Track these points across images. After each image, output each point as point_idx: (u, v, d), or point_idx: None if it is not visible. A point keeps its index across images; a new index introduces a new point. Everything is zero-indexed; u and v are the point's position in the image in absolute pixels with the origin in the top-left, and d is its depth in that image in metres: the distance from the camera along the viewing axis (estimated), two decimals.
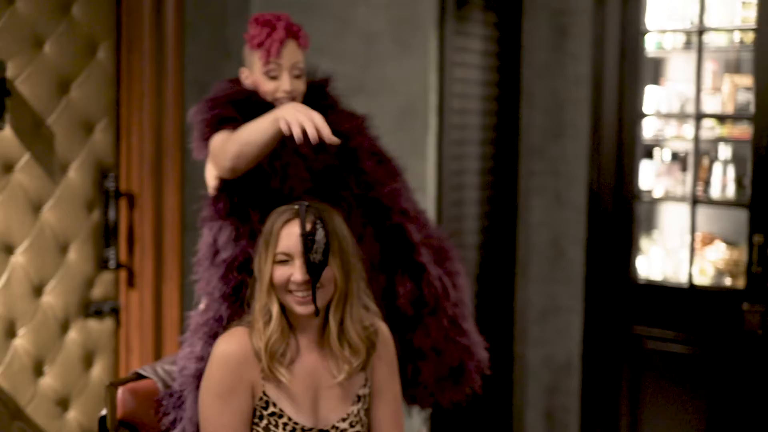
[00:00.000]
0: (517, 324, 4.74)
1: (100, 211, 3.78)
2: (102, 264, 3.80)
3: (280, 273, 2.30)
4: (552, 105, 4.56)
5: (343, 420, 2.38)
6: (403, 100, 3.97)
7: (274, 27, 2.70)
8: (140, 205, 3.83)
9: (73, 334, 3.73)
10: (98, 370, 3.82)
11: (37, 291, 3.62)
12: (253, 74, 2.75)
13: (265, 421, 2.32)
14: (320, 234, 2.28)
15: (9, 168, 3.50)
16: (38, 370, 3.63)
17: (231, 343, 2.33)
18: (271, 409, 2.32)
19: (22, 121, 3.49)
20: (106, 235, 3.78)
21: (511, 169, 4.59)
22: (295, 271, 2.29)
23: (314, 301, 2.30)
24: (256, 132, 2.46)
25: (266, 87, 2.72)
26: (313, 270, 2.28)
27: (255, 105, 2.69)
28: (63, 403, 3.69)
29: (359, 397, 2.41)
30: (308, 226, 2.29)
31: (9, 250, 3.53)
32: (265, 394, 2.32)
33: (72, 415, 3.72)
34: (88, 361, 3.79)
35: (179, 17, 3.80)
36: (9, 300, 3.51)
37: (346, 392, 2.39)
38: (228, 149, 2.53)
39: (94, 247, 3.77)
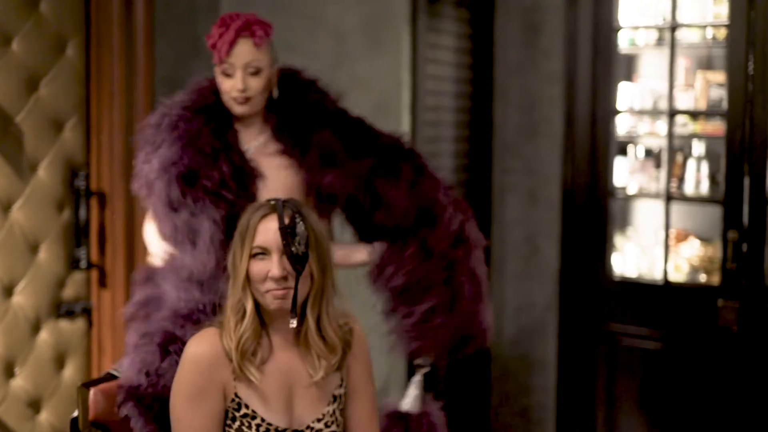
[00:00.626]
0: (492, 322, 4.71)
1: (70, 210, 3.74)
2: (73, 264, 3.76)
3: (258, 268, 2.28)
4: (525, 102, 4.57)
5: (318, 420, 2.37)
6: (375, 97, 3.96)
7: (227, 26, 2.76)
8: (111, 204, 3.79)
9: (44, 335, 3.69)
10: (70, 371, 3.79)
11: (8, 291, 3.58)
12: (216, 75, 2.83)
13: (237, 423, 2.31)
14: (301, 227, 2.27)
15: None
16: (9, 372, 3.59)
17: (202, 345, 2.31)
18: (244, 410, 2.30)
19: None
20: (77, 234, 3.74)
21: (485, 166, 4.59)
22: (273, 266, 2.26)
23: (296, 295, 2.28)
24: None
25: (223, 86, 2.80)
26: (297, 262, 2.26)
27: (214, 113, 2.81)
28: (35, 405, 3.66)
29: (335, 397, 2.40)
30: (287, 220, 2.28)
31: None
32: (236, 395, 2.30)
33: (44, 416, 3.69)
34: (60, 361, 3.76)
35: (149, 14, 3.78)
36: None
37: (321, 392, 2.37)
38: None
39: (65, 246, 3.73)
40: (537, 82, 4.54)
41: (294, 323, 2.29)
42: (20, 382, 3.61)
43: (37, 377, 3.67)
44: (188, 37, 3.94)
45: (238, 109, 2.82)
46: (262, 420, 2.30)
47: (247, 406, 2.30)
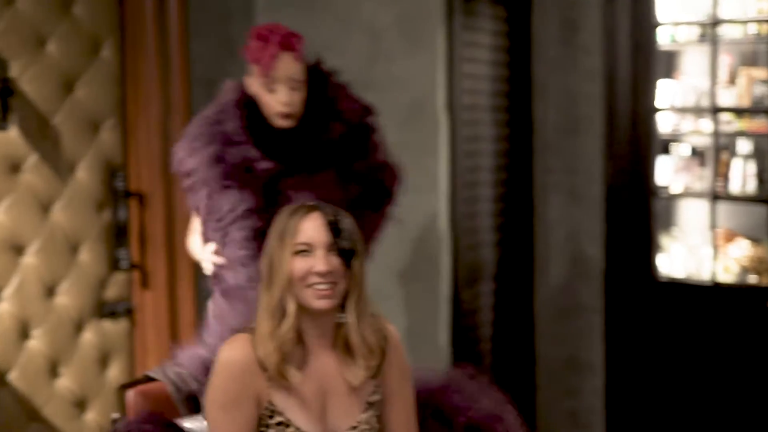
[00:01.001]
0: (537, 324, 4.68)
1: (110, 210, 3.78)
2: (114, 264, 3.80)
3: (300, 265, 2.24)
4: (565, 100, 4.53)
5: (353, 428, 2.32)
6: (411, 96, 3.96)
7: (268, 41, 2.80)
8: (151, 204, 3.82)
9: (87, 335, 3.73)
10: (115, 371, 3.83)
11: (50, 292, 3.62)
12: (254, 86, 2.87)
13: (271, 430, 2.27)
14: (346, 222, 2.27)
15: (16, 168, 3.52)
16: (54, 372, 3.63)
17: (234, 352, 2.27)
18: (277, 418, 2.26)
19: (28, 120, 3.51)
20: (118, 235, 3.78)
21: (525, 165, 4.56)
22: (317, 262, 2.23)
23: (335, 287, 2.26)
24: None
25: (265, 99, 2.84)
26: (346, 256, 2.25)
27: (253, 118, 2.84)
28: (80, 405, 3.70)
29: (370, 405, 2.34)
30: (330, 217, 2.27)
31: (19, 251, 3.54)
32: (270, 402, 2.26)
33: (90, 416, 3.72)
34: (103, 362, 3.79)
35: (183, 15, 3.81)
36: (22, 301, 3.53)
37: (356, 399, 2.32)
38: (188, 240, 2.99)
39: (106, 247, 3.77)
40: (576, 79, 4.49)
41: (343, 318, 2.27)
42: (65, 382, 3.66)
43: (82, 377, 3.71)
44: (223, 38, 3.97)
45: (281, 123, 2.86)
46: (297, 428, 2.26)
47: (281, 414, 2.26)
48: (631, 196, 4.46)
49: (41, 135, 3.54)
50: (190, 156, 2.83)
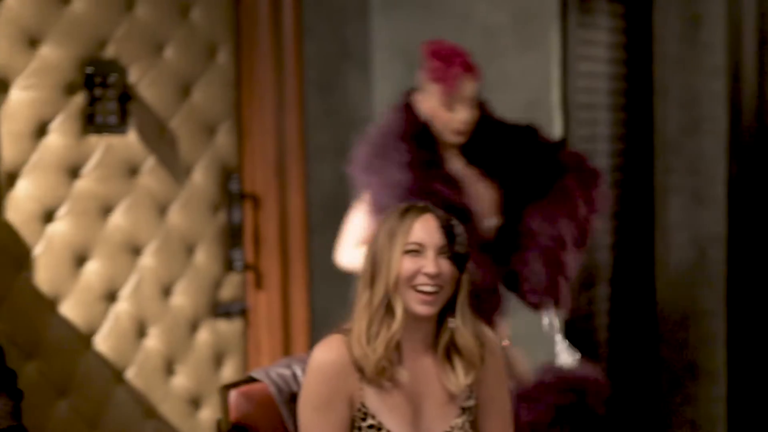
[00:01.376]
0: (659, 328, 4.60)
1: (225, 212, 3.81)
2: (229, 265, 3.82)
3: (409, 265, 2.21)
4: (686, 98, 4.42)
5: None
6: (525, 95, 3.92)
7: (452, 62, 2.96)
8: (265, 206, 3.83)
9: (203, 335, 3.76)
10: (229, 371, 3.84)
11: (166, 292, 3.66)
12: (429, 102, 3.00)
13: None
14: (459, 228, 2.25)
15: (134, 171, 3.55)
16: (170, 370, 3.67)
17: (328, 352, 2.25)
18: (369, 420, 2.23)
19: (146, 125, 3.53)
20: (232, 236, 3.80)
21: (644, 166, 4.46)
22: (427, 263, 2.20)
23: (452, 297, 2.25)
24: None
25: (444, 117, 2.99)
26: (459, 260, 2.23)
27: (424, 138, 2.98)
28: (195, 403, 3.73)
29: (464, 410, 2.30)
30: (443, 221, 2.26)
31: (137, 252, 3.58)
32: (363, 404, 2.23)
33: (205, 414, 3.75)
34: (218, 361, 3.82)
35: (297, 17, 3.81)
36: (139, 301, 3.56)
37: (450, 404, 2.28)
38: (342, 253, 3.08)
39: (221, 248, 3.80)
40: (699, 77, 4.38)
41: (453, 323, 2.25)
42: (181, 380, 3.68)
43: (197, 376, 3.73)
44: (337, 39, 3.97)
45: (455, 139, 3.03)
46: (388, 431, 2.23)
47: (374, 417, 2.23)
48: (756, 197, 4.34)
49: (158, 139, 3.58)
50: (367, 182, 3.00)
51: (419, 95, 3.02)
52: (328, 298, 3.94)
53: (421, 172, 2.92)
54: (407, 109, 3.03)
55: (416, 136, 2.98)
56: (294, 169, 3.88)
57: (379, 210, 2.92)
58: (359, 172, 3.01)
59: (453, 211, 2.55)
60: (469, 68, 2.98)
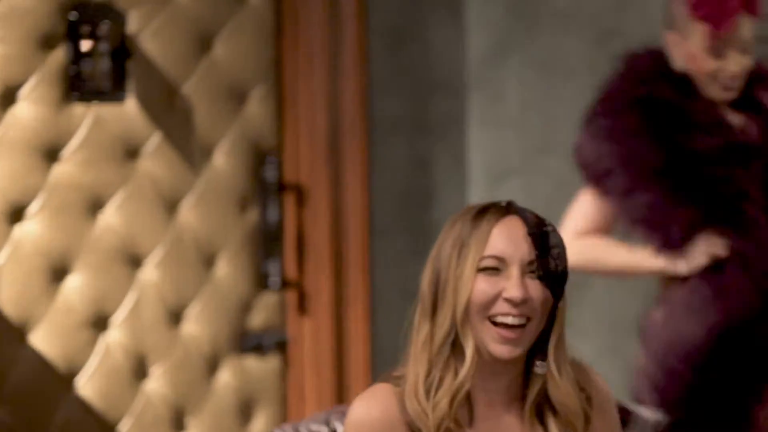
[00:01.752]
0: None
1: (257, 209, 3.51)
2: (262, 282, 3.52)
3: (483, 286, 1.90)
4: None
5: None
6: None
7: None
8: (312, 201, 3.56)
9: (224, 376, 3.46)
10: (260, 425, 3.51)
11: (175, 318, 3.37)
12: (688, 45, 2.82)
13: None
14: (556, 237, 1.93)
15: (134, 153, 3.24)
16: (178, 424, 3.36)
17: (372, 408, 1.97)
18: None
19: (150, 89, 3.27)
20: (267, 242, 3.50)
21: None
22: (510, 285, 1.90)
23: (545, 332, 1.93)
24: (623, 263, 2.87)
25: (706, 65, 2.81)
26: (556, 282, 1.93)
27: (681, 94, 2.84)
28: None
29: None
30: (534, 227, 1.96)
31: (136, 262, 3.27)
32: None
33: None
34: (245, 412, 3.50)
35: None
36: (138, 329, 3.28)
37: None
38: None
39: (250, 258, 3.52)
40: None
41: (542, 369, 1.96)
42: None
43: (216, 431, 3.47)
44: None
45: (723, 95, 2.84)
46: None
47: None
48: None
49: (167, 109, 3.30)
50: (598, 153, 2.87)
51: (673, 36, 2.83)
52: (396, 327, 3.38)
53: (677, 142, 2.78)
54: (656, 57, 2.86)
55: (669, 91, 2.81)
56: (352, 152, 3.60)
57: (614, 191, 2.82)
58: (587, 138, 2.88)
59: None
60: (750, 7, 2.79)
